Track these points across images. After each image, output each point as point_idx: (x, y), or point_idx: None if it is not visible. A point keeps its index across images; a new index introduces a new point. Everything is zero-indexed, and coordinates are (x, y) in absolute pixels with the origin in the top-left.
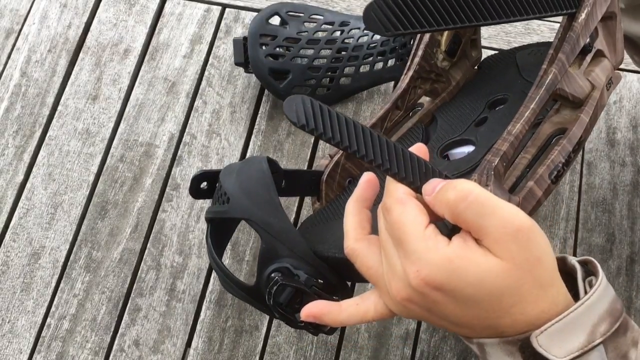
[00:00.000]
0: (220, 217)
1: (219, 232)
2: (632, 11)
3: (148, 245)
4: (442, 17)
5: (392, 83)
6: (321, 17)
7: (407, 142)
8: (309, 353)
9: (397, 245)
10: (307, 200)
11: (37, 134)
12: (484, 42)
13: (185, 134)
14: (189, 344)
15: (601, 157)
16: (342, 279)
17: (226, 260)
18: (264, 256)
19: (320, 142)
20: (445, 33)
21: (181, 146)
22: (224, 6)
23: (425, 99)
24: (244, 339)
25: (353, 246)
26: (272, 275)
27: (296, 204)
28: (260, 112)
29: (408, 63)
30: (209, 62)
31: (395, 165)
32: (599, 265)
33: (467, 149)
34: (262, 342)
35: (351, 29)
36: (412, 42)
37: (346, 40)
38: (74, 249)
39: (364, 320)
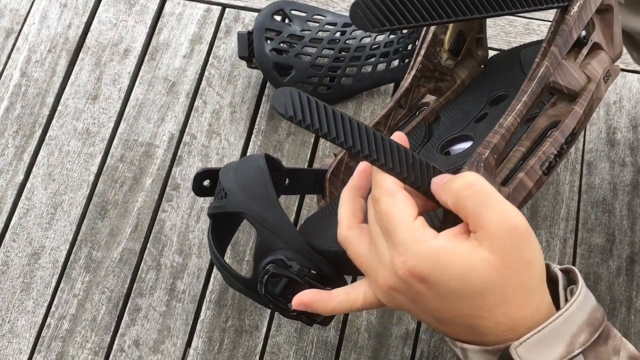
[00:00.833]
0: (219, 212)
1: (221, 229)
2: (631, 6)
3: (148, 245)
4: (426, 12)
5: (393, 83)
6: (324, 18)
7: (410, 139)
8: (308, 353)
9: (386, 235)
10: (307, 200)
11: (37, 134)
12: None
13: (185, 134)
14: (189, 344)
15: (601, 157)
16: (338, 272)
17: (227, 260)
18: (260, 249)
19: (321, 142)
20: (449, 32)
21: (181, 146)
22: (224, 6)
23: (431, 98)
24: (244, 339)
25: (345, 234)
26: (267, 267)
27: (296, 204)
28: (260, 112)
29: (411, 62)
30: (209, 62)
31: (382, 156)
32: (579, 275)
33: (467, 144)
34: (262, 342)
35: (354, 30)
36: (416, 43)
37: (348, 41)
38: (74, 249)
39: (354, 309)
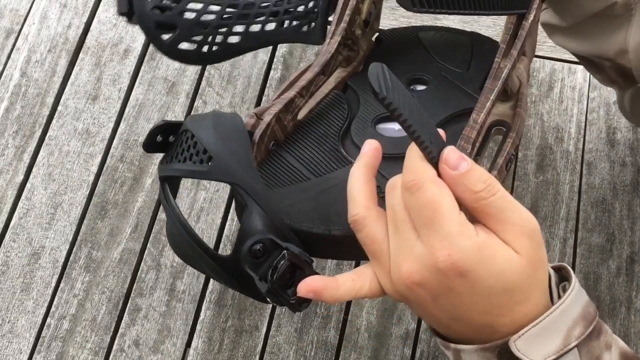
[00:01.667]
0: (197, 178)
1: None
2: (574, 29)
3: (148, 245)
4: (460, 2)
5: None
6: None
7: (331, 108)
8: (308, 353)
9: (426, 225)
10: None
11: (37, 134)
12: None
13: None
14: (189, 344)
15: (601, 157)
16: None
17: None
18: (248, 226)
19: None
20: (367, 2)
21: None
22: None
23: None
24: (243, 339)
25: (364, 213)
26: (258, 248)
27: None
28: None
29: (332, 27)
30: None
31: (435, 148)
32: (572, 271)
33: (398, 125)
34: (262, 342)
35: None
36: (312, 6)
37: None
38: (74, 249)
39: (358, 297)
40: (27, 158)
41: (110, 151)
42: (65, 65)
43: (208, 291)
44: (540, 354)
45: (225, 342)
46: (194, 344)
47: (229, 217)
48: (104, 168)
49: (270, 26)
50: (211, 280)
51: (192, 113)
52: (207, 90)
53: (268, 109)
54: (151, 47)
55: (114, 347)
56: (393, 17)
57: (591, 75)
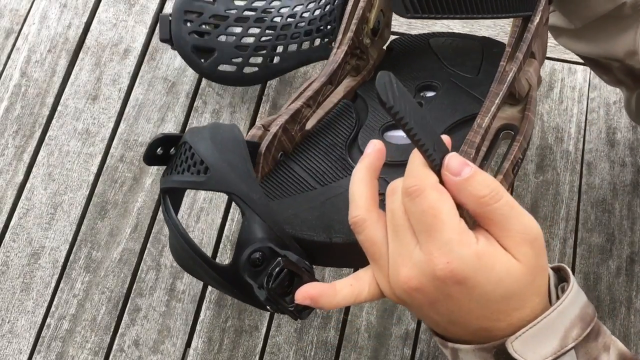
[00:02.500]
0: (194, 189)
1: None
2: (582, 31)
3: (148, 245)
4: (456, 5)
5: (309, 67)
6: None
7: (339, 118)
8: (308, 353)
9: (425, 232)
10: None
11: (37, 134)
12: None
13: None
14: (188, 344)
15: (601, 157)
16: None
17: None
18: (246, 235)
19: None
20: (374, 10)
21: None
22: None
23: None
24: (243, 339)
25: (364, 216)
26: (257, 256)
27: None
28: (260, 112)
29: (339, 37)
30: None
31: (438, 155)
32: (570, 272)
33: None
34: (262, 342)
35: (281, 8)
36: (336, 21)
37: (275, 19)
38: (74, 249)
39: (357, 302)
40: (27, 158)
41: (110, 151)
42: (65, 65)
43: (208, 291)
44: (537, 355)
45: (225, 342)
46: (193, 344)
47: (229, 217)
48: (104, 168)
49: (306, 45)
50: None
51: (192, 113)
52: (207, 90)
53: (275, 119)
54: (151, 47)
55: (114, 347)
56: (406, 24)
57: (592, 76)
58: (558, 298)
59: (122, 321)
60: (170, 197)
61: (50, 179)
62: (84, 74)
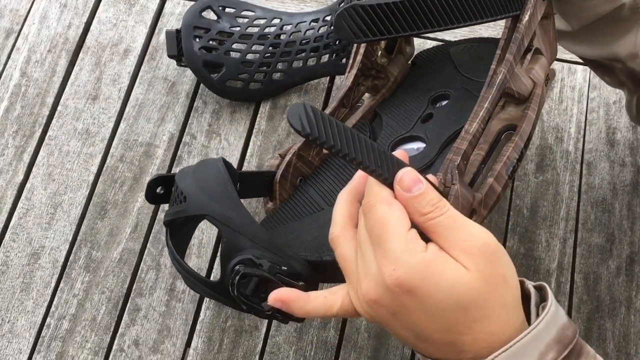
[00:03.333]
0: (179, 217)
1: (179, 236)
2: (582, 33)
3: (148, 245)
4: (406, 23)
5: (325, 79)
6: (253, 13)
7: None
8: (308, 353)
9: (376, 243)
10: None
11: (37, 134)
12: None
13: (185, 134)
14: (188, 344)
15: (601, 157)
16: (311, 279)
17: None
18: (227, 251)
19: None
20: None
21: (181, 146)
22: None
23: (365, 96)
24: (243, 339)
25: (338, 233)
26: (236, 267)
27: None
28: (260, 112)
29: (350, 61)
30: None
31: (387, 172)
32: (550, 292)
33: (417, 145)
34: (261, 342)
35: (283, 25)
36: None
37: (279, 36)
38: (74, 249)
39: (329, 314)
40: (27, 158)
41: (110, 151)
42: (65, 65)
43: None
44: None
45: (225, 342)
46: (193, 344)
47: None
48: (104, 168)
49: (312, 61)
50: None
51: (192, 113)
52: (207, 90)
53: (290, 148)
54: (151, 47)
55: (114, 347)
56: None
57: (591, 76)
58: (538, 316)
59: (122, 321)
60: (180, 228)
61: (50, 179)
62: (84, 74)
